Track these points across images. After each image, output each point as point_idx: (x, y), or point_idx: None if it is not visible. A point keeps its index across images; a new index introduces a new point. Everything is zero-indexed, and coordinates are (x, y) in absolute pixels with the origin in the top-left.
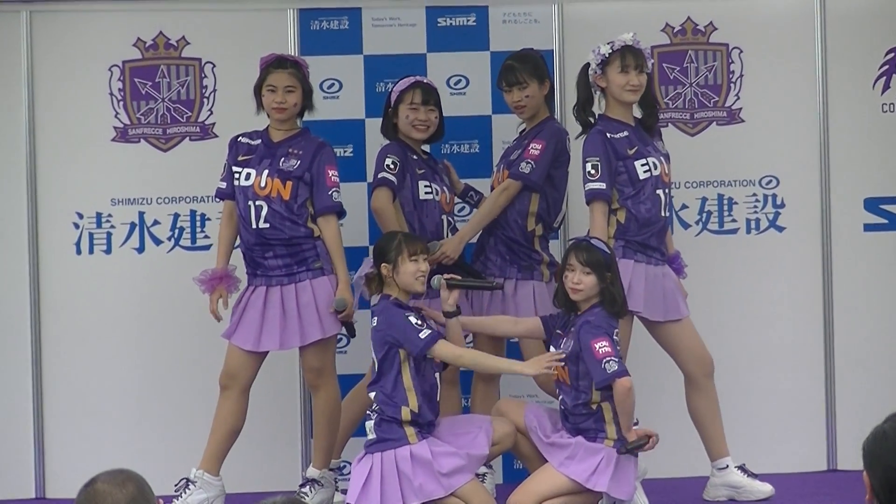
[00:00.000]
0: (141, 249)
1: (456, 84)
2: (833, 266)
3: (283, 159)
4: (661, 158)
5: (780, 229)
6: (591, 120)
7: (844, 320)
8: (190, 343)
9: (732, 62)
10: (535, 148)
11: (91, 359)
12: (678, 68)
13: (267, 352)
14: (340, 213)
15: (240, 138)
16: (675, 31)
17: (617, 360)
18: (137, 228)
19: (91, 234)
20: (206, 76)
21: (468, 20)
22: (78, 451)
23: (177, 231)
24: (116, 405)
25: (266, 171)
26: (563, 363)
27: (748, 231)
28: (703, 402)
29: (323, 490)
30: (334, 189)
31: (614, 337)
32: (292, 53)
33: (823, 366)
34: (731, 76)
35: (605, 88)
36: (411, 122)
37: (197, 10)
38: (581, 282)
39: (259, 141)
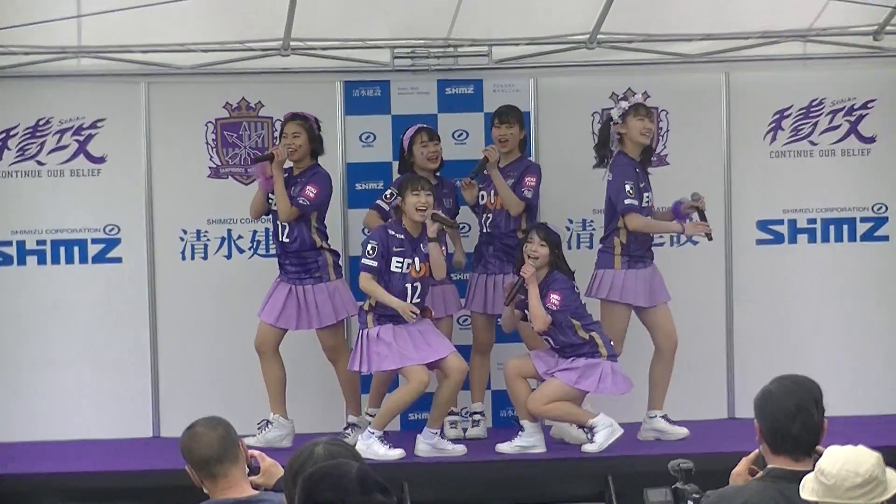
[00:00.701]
0: (229, 257)
1: (459, 136)
2: (734, 270)
3: (294, 188)
4: (651, 192)
5: (695, 243)
6: (609, 155)
7: (741, 310)
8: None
9: (661, 121)
10: (530, 181)
11: (192, 335)
12: None
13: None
14: (302, 212)
15: None
16: (619, 97)
17: (555, 308)
18: (226, 241)
19: (192, 245)
20: (276, 130)
21: (468, 90)
22: (183, 403)
23: (255, 243)
24: (211, 368)
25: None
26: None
27: (672, 244)
28: (661, 368)
29: (360, 430)
30: (304, 198)
31: (574, 290)
32: (339, 116)
33: (725, 343)
34: (660, 131)
35: (625, 134)
36: (427, 157)
37: (270, 81)
38: (537, 251)
39: (287, 175)
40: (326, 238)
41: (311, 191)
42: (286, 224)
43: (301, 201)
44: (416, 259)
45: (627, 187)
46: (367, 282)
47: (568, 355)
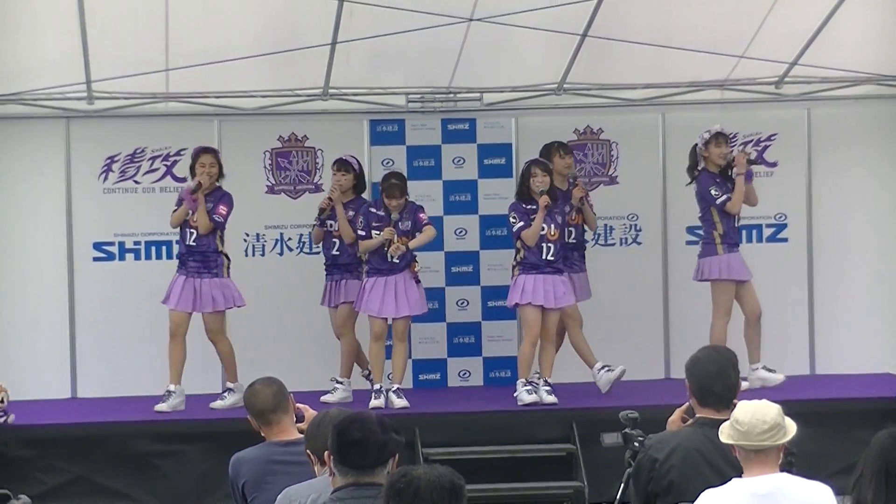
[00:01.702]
0: (281, 254)
1: (457, 161)
2: (669, 264)
3: (206, 205)
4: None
5: (640, 244)
6: (696, 173)
7: (675, 293)
8: (304, 301)
9: (612, 150)
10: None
11: (255, 312)
12: (582, 153)
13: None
14: (216, 226)
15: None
16: (580, 132)
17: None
18: (279, 242)
19: (253, 246)
20: (318, 158)
21: (465, 126)
22: (247, 364)
23: (302, 244)
24: (268, 335)
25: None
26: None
27: (621, 245)
28: (751, 331)
29: (235, 393)
30: (218, 215)
31: None
32: (366, 146)
33: (662, 322)
34: (612, 157)
35: (707, 157)
36: (332, 185)
37: (313, 120)
38: (543, 181)
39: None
40: (223, 244)
41: (223, 209)
42: (193, 230)
43: (216, 218)
44: (404, 226)
45: (713, 190)
46: (360, 244)
47: (561, 262)
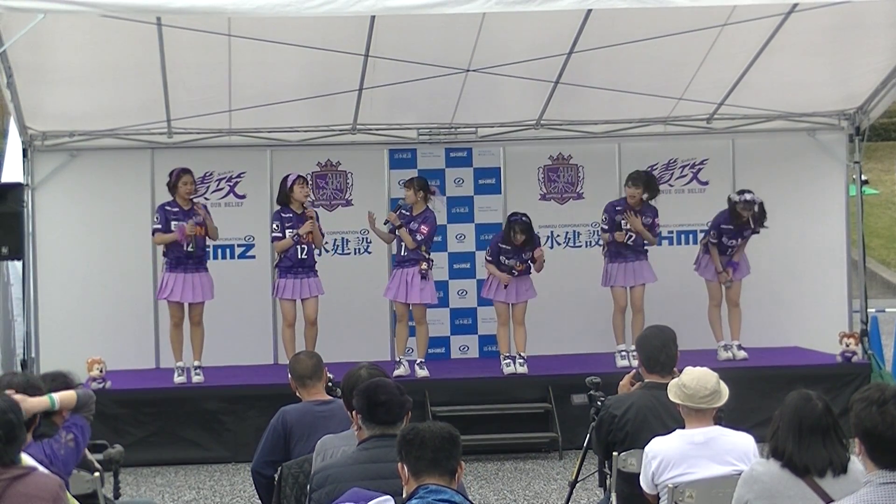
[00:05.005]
0: (319, 254)
1: (458, 182)
2: None
3: (194, 216)
4: (736, 238)
5: (600, 245)
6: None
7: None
8: (350, 292)
9: (579, 172)
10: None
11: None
12: (555, 174)
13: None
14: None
15: (167, 207)
16: (554, 157)
17: None
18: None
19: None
20: (349, 179)
21: (463, 154)
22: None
23: (336, 247)
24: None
25: (192, 222)
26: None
27: (586, 246)
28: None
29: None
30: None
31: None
32: (386, 170)
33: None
34: (579, 178)
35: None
36: (304, 194)
37: (344, 149)
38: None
39: (178, 209)
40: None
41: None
42: (192, 240)
43: (215, 226)
44: (413, 226)
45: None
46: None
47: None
